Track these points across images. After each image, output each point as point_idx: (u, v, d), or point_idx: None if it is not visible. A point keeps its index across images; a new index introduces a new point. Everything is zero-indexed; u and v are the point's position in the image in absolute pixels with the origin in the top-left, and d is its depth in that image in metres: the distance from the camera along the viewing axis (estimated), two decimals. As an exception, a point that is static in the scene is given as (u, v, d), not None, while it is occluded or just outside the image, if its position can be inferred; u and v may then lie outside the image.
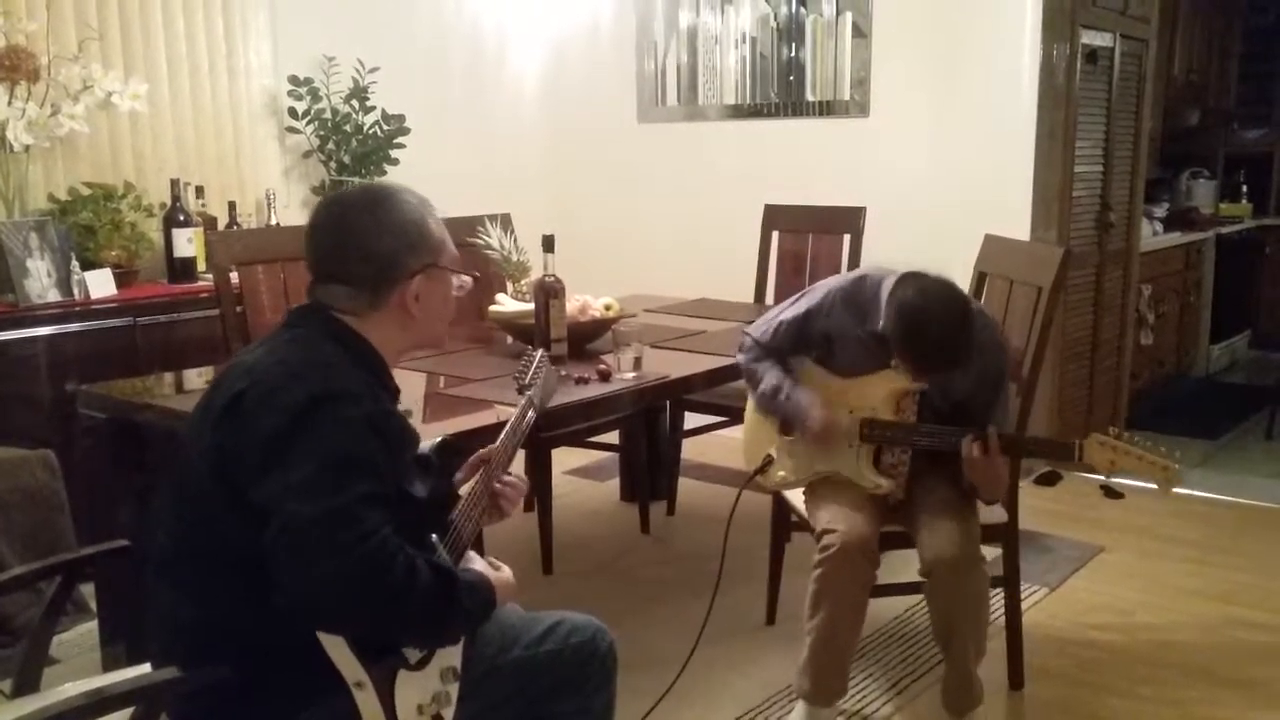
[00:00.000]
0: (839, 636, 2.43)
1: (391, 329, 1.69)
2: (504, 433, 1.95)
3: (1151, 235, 5.64)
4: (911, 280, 2.32)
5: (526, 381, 2.08)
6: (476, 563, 1.74)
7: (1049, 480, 4.34)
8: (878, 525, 2.46)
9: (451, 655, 1.65)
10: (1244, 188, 7.07)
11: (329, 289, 1.68)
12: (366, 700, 1.53)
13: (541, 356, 2.14)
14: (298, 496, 1.44)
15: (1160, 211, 6.11)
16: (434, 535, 1.68)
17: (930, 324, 2.23)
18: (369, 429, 1.53)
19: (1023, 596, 2.85)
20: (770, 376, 2.59)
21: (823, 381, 2.56)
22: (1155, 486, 2.23)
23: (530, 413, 2.04)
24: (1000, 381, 2.47)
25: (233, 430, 1.52)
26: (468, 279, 1.82)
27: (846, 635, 2.44)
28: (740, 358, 2.70)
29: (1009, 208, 4.10)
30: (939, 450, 2.41)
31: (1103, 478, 4.41)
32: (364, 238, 1.67)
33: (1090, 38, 4.24)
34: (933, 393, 2.46)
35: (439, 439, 1.82)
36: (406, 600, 1.47)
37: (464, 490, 1.85)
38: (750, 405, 2.75)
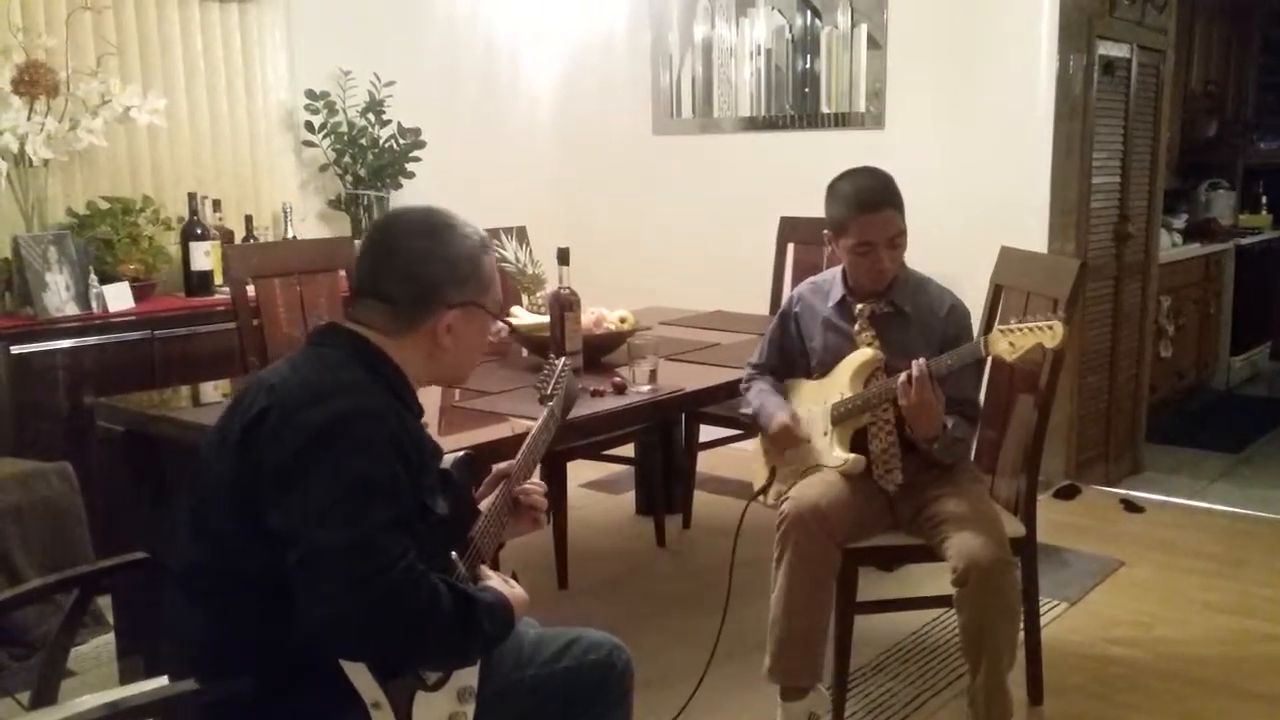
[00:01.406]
0: (794, 607, 2.45)
1: (418, 355, 1.67)
2: (525, 445, 1.94)
3: (1170, 246, 5.60)
4: None
5: (549, 392, 2.05)
6: (493, 580, 1.72)
7: (1068, 494, 4.31)
8: (847, 507, 2.48)
9: (468, 675, 1.65)
10: (1264, 198, 7.03)
11: (367, 303, 1.66)
12: None
13: (564, 366, 2.11)
14: (318, 524, 1.43)
15: (1179, 223, 6.08)
16: (453, 553, 1.68)
17: (853, 173, 2.62)
18: (391, 450, 1.51)
19: (1042, 611, 2.83)
20: (753, 394, 2.74)
21: (804, 387, 2.70)
22: (1045, 346, 2.31)
23: (552, 424, 2.03)
24: (959, 343, 2.56)
25: (253, 450, 1.50)
26: (504, 326, 1.81)
27: (802, 607, 2.45)
28: (742, 387, 2.81)
29: (1025, 219, 4.08)
30: (891, 399, 2.45)
31: (1122, 491, 4.38)
32: (412, 259, 1.65)
33: (1107, 48, 4.22)
34: (898, 361, 2.51)
35: (461, 453, 1.81)
36: (429, 628, 1.47)
37: (484, 505, 1.84)
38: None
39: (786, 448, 2.62)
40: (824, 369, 2.65)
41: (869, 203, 2.52)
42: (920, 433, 2.46)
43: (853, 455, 2.52)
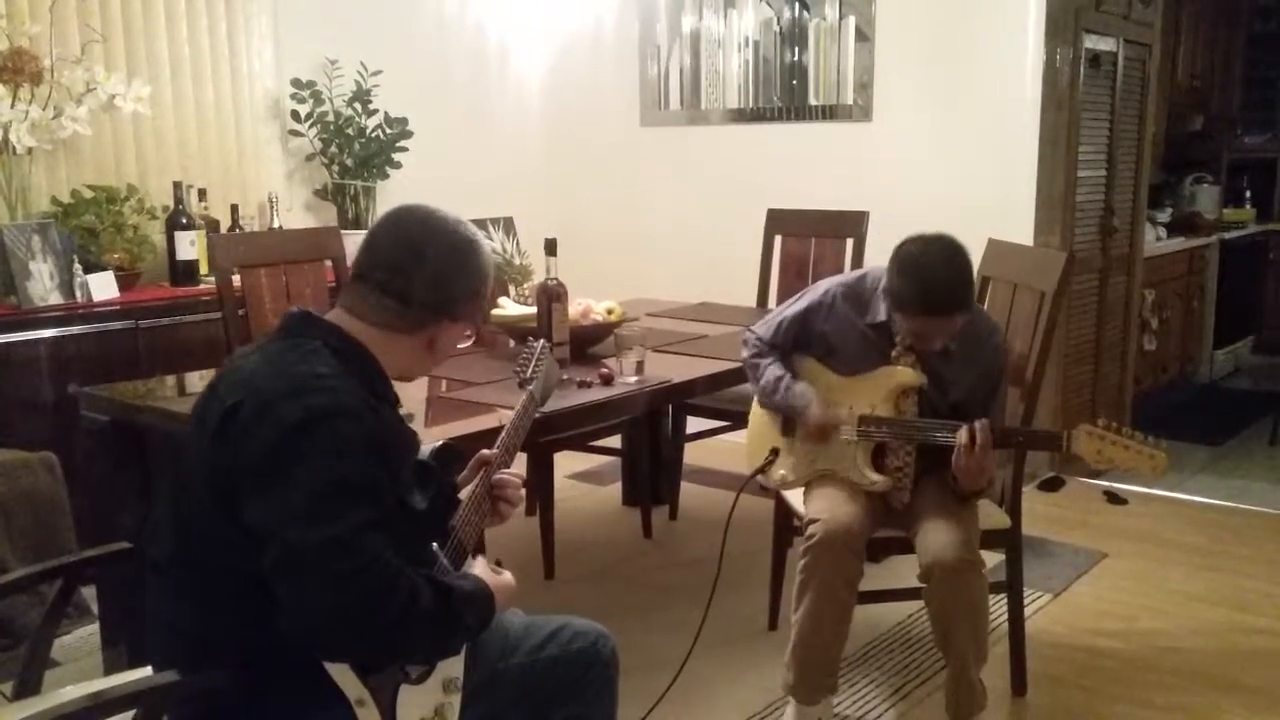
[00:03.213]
0: (822, 629, 2.44)
1: (402, 354, 1.66)
2: (505, 431, 1.93)
3: (1155, 240, 5.63)
4: (910, 238, 2.41)
5: (528, 375, 2.03)
6: (478, 565, 1.71)
7: (1052, 486, 4.33)
8: (868, 522, 2.47)
9: (453, 666, 1.64)
10: (1248, 193, 7.07)
11: (370, 295, 1.64)
12: (369, 717, 1.51)
13: (542, 348, 2.09)
14: (295, 523, 1.41)
15: (1164, 216, 6.11)
16: (434, 544, 1.67)
17: (931, 260, 2.32)
18: (367, 449, 1.49)
19: (1025, 602, 2.84)
20: (771, 371, 2.63)
21: (824, 379, 2.59)
22: (1146, 474, 2.24)
23: (532, 408, 2.01)
24: (999, 381, 2.54)
25: (228, 447, 1.48)
26: (471, 337, 1.84)
27: (830, 629, 2.44)
28: (743, 353, 2.73)
29: (1012, 212, 4.09)
30: (933, 444, 2.42)
31: (1106, 483, 4.41)
32: (444, 269, 1.65)
33: (1093, 42, 4.24)
34: (932, 391, 2.49)
35: (438, 443, 1.79)
36: (407, 625, 1.45)
37: (464, 494, 1.83)
38: (755, 405, 2.77)
39: (820, 439, 2.56)
40: (852, 372, 2.55)
41: (940, 308, 2.34)
42: (965, 486, 2.41)
43: (882, 477, 2.50)
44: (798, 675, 2.48)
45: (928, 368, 2.49)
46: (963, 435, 2.32)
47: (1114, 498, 4.26)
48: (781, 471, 2.65)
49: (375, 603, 1.42)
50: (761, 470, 2.69)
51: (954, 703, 2.45)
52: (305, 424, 1.45)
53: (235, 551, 1.47)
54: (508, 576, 1.73)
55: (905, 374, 2.48)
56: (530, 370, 2.04)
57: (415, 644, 1.52)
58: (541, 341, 2.13)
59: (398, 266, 1.65)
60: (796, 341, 2.65)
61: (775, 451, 2.67)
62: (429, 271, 1.64)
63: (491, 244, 3.28)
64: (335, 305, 1.68)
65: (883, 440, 2.50)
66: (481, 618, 1.60)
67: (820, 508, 2.47)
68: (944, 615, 2.39)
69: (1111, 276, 4.61)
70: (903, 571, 2.98)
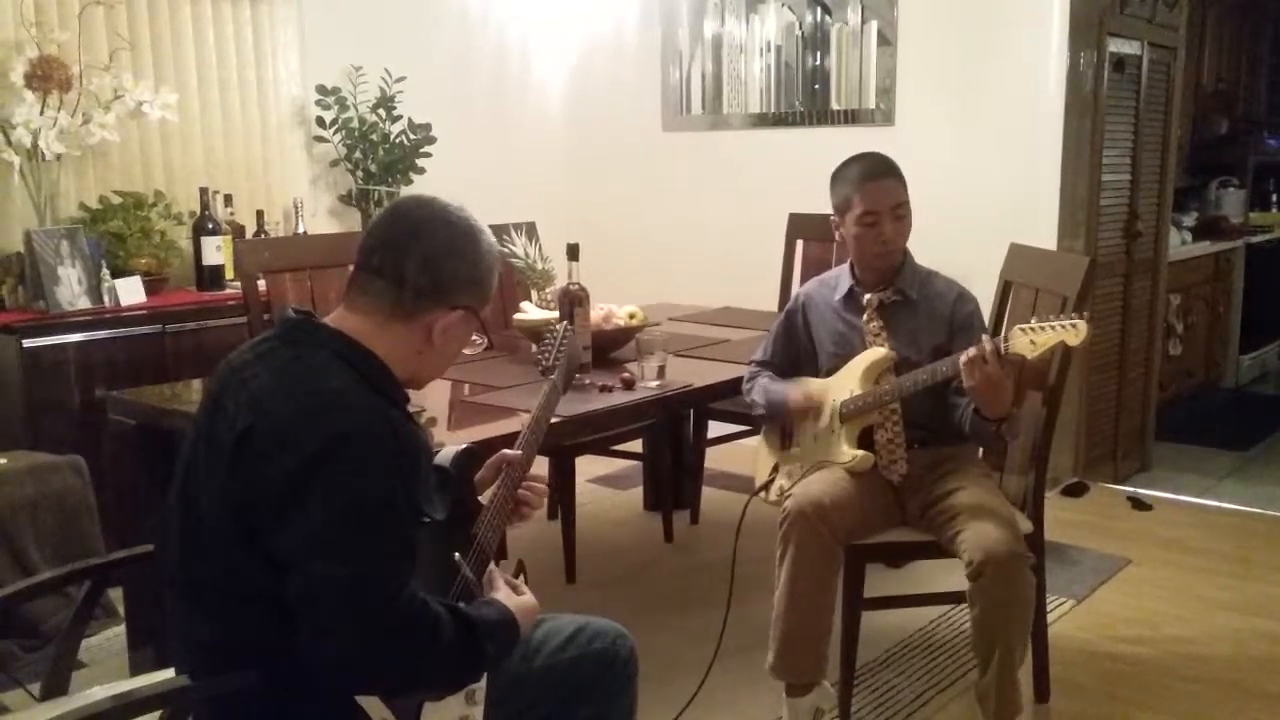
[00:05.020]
0: (797, 602, 2.46)
1: (403, 348, 1.60)
2: (527, 427, 1.90)
3: (1180, 244, 5.58)
4: None
5: (550, 363, 1.98)
6: (500, 589, 1.68)
7: (1075, 491, 4.30)
8: (848, 500, 2.48)
9: None
10: (1274, 196, 7.00)
11: (371, 282, 1.59)
12: None
13: (565, 330, 2.05)
14: (316, 555, 1.38)
15: (1189, 220, 6.06)
16: (456, 554, 1.65)
17: (858, 154, 2.71)
18: (386, 470, 1.44)
19: (1049, 608, 2.82)
20: (758, 385, 2.75)
21: (814, 384, 2.68)
22: (1068, 344, 2.28)
23: (554, 397, 1.97)
24: (971, 324, 2.61)
25: (244, 473, 1.44)
26: (482, 342, 1.80)
27: (806, 602, 2.46)
28: (745, 385, 2.82)
29: (1035, 216, 4.07)
30: (913, 392, 2.45)
31: (1130, 489, 4.38)
32: (438, 248, 1.60)
33: (1118, 45, 4.21)
34: (906, 348, 2.56)
35: (459, 448, 1.77)
36: (431, 660, 1.45)
37: (485, 497, 1.82)
38: (763, 431, 2.84)
39: (811, 418, 2.62)
40: (833, 366, 2.66)
41: (872, 172, 2.62)
42: (992, 411, 2.39)
43: (860, 452, 2.53)
44: (776, 651, 2.50)
45: (895, 326, 2.60)
46: (961, 358, 2.32)
47: (1138, 503, 4.23)
48: (780, 483, 2.69)
49: (397, 638, 1.40)
50: (764, 488, 2.73)
51: (995, 704, 2.39)
52: (323, 451, 1.41)
53: (251, 576, 1.45)
54: (529, 597, 1.69)
55: (875, 353, 2.58)
56: (553, 357, 1.99)
57: (436, 677, 1.51)
58: (564, 324, 2.09)
59: (392, 244, 1.61)
60: (788, 350, 2.78)
61: (772, 474, 2.73)
62: (423, 249, 1.59)
63: (514, 248, 3.30)
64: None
65: (862, 415, 2.54)
66: (505, 647, 1.59)
67: (798, 488, 2.52)
68: (994, 612, 2.34)
69: (1136, 281, 4.58)
70: (923, 577, 2.98)
